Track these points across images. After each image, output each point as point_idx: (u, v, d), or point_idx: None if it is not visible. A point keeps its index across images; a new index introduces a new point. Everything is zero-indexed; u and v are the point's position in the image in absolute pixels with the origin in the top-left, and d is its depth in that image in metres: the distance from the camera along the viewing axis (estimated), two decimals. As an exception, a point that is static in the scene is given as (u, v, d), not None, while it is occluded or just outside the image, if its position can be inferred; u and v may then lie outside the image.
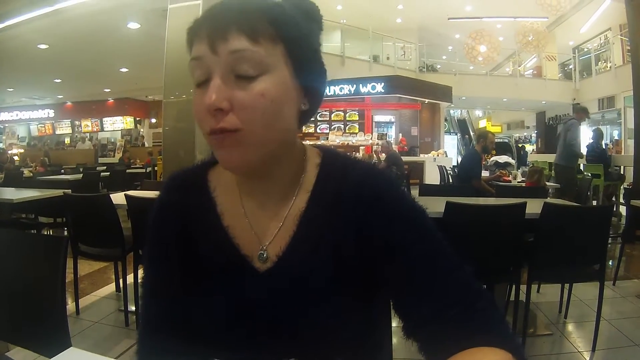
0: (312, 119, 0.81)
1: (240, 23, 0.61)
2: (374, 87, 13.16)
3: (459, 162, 8.85)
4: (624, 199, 6.09)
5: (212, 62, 0.62)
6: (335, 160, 0.77)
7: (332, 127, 14.57)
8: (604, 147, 7.79)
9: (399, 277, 0.67)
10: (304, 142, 0.79)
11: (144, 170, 11.02)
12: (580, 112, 6.59)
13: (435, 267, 0.66)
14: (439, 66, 16.93)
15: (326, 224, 0.71)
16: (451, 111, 19.97)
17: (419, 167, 11.81)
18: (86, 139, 17.88)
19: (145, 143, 17.54)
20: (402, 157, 9.79)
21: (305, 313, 0.69)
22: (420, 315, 0.64)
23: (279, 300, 0.70)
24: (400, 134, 14.56)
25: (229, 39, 0.61)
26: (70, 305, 3.06)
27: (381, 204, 0.70)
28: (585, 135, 7.80)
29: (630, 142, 8.94)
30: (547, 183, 5.52)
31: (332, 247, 0.70)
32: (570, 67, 16.16)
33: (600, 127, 8.62)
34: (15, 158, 14.27)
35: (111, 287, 3.64)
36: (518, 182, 5.75)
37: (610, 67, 13.38)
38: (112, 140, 18.49)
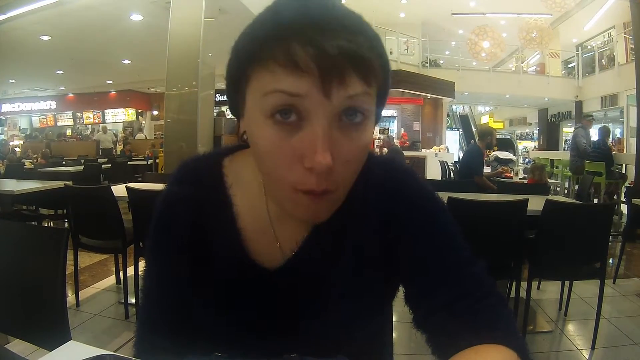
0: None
1: (357, 61, 0.50)
2: (376, 82, 13.04)
3: (460, 157, 8.83)
4: (625, 197, 6.07)
5: (318, 104, 0.51)
6: None
7: (335, 121, 14.48)
8: (609, 144, 7.75)
9: (412, 267, 0.67)
10: None
11: (145, 163, 10.98)
12: (585, 120, 7.86)
13: (450, 258, 0.65)
14: (442, 61, 16.85)
15: (347, 221, 0.68)
16: (453, 107, 19.88)
17: (420, 163, 11.76)
18: (107, 129, 16.84)
19: (144, 131, 17.43)
20: (403, 152, 9.75)
21: (317, 314, 0.68)
22: (430, 305, 0.63)
23: (287, 299, 0.68)
24: (402, 129, 14.49)
25: (347, 82, 0.50)
26: (70, 298, 3.07)
27: (402, 195, 0.69)
28: (591, 132, 7.84)
29: (633, 141, 8.92)
30: (549, 180, 5.51)
31: (352, 245, 0.68)
32: (574, 64, 16.08)
33: (606, 124, 8.58)
34: (17, 150, 14.25)
35: (111, 280, 3.64)
36: (520, 178, 5.75)
37: (614, 65, 13.31)
38: (114, 132, 18.41)
